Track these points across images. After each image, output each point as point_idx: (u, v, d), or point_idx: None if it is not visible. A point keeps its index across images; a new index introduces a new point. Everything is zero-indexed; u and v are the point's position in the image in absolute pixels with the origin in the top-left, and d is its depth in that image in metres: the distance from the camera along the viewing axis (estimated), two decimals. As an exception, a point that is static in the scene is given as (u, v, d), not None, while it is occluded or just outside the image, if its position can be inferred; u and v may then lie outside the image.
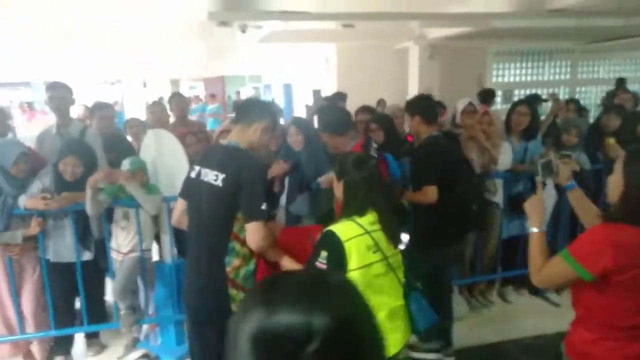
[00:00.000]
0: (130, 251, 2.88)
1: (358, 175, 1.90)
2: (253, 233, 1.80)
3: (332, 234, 1.80)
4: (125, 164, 2.78)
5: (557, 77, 9.37)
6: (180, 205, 2.10)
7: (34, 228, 2.70)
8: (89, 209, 2.68)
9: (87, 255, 2.93)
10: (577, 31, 6.88)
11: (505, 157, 3.26)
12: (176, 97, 4.74)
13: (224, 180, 1.86)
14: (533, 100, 3.89)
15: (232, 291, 1.89)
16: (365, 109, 3.91)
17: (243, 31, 5.66)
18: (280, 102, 11.36)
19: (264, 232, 1.81)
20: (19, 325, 2.83)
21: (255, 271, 1.96)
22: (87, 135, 3.13)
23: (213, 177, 1.89)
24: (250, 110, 2.06)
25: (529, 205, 1.93)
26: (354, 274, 1.78)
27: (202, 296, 1.94)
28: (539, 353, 3.06)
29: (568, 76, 9.37)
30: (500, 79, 9.13)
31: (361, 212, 1.86)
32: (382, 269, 1.84)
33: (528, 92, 9.17)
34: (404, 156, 3.49)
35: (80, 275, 2.87)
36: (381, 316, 1.84)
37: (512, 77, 9.21)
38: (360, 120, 3.74)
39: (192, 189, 2.00)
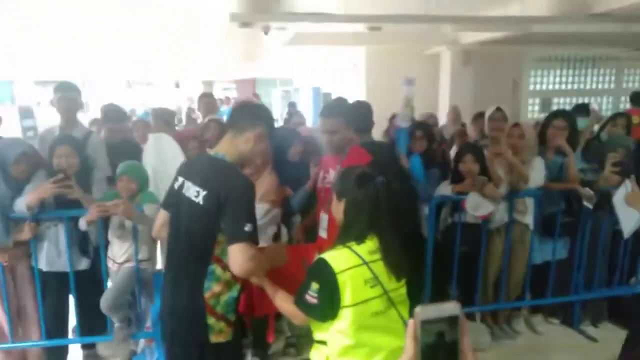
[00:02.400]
0: (126, 261, 2.74)
1: (362, 193, 1.66)
2: (235, 255, 1.58)
3: (324, 263, 1.56)
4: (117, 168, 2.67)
5: (600, 85, 8.82)
6: (161, 217, 1.91)
7: (25, 233, 2.57)
8: (83, 225, 2.60)
9: (84, 264, 2.80)
10: (622, 37, 6.42)
11: (537, 174, 2.93)
12: (205, 97, 4.61)
13: (205, 198, 1.65)
14: (572, 112, 3.52)
15: (211, 320, 1.68)
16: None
17: (266, 33, 5.51)
18: (309, 106, 11.19)
19: (248, 253, 1.58)
20: (10, 333, 2.72)
21: (239, 298, 1.76)
22: (91, 140, 3.01)
23: (194, 192, 1.69)
24: (241, 116, 1.82)
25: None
26: (347, 312, 1.55)
27: (177, 323, 1.74)
28: (570, 396, 2.74)
29: (612, 85, 8.81)
30: (537, 87, 8.68)
31: (360, 239, 1.62)
32: (381, 305, 1.59)
33: (568, 100, 8.72)
34: (436, 167, 3.29)
35: (74, 285, 2.74)
36: (379, 358, 1.60)
37: (550, 85, 8.73)
38: (394, 125, 3.53)
39: (173, 201, 1.81)
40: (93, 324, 2.90)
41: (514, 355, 3.10)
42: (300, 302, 1.60)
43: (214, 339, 1.70)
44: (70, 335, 3.02)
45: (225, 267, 1.68)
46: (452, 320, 0.59)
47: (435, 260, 3.04)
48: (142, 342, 3.02)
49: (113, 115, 3.32)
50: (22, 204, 2.53)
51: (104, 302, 2.61)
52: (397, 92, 7.11)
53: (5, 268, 2.64)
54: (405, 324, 1.67)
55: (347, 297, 1.54)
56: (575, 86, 8.79)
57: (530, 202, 3.08)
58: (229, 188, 1.62)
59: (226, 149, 1.77)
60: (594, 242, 3.25)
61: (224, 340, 1.72)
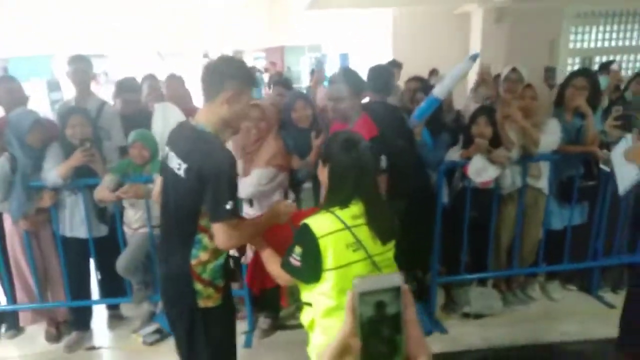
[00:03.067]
0: (140, 227, 2.86)
1: (346, 158, 1.65)
2: (218, 233, 1.60)
3: (306, 228, 1.59)
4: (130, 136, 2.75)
5: (647, 41, 8.21)
6: (159, 183, 1.92)
7: (45, 201, 2.72)
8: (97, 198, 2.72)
9: (103, 231, 2.94)
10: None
11: (550, 137, 2.80)
12: None
13: (186, 171, 1.64)
14: (595, 72, 3.33)
15: (198, 286, 1.72)
16: (415, 78, 3.61)
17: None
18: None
19: (229, 233, 1.59)
20: (38, 294, 2.92)
21: (225, 265, 1.81)
22: (105, 111, 3.10)
23: (176, 165, 1.68)
24: (211, 78, 1.63)
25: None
26: (330, 274, 1.58)
27: (167, 289, 1.81)
28: (581, 361, 2.71)
29: (661, 41, 8.19)
30: (578, 45, 8.17)
31: (344, 203, 1.63)
32: (364, 269, 1.60)
33: (611, 58, 8.17)
34: (445, 132, 3.18)
35: (94, 250, 2.90)
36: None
37: (592, 43, 8.20)
38: (409, 89, 3.43)
39: (162, 170, 1.84)
40: (114, 286, 3.07)
41: (526, 321, 3.06)
42: (286, 264, 1.64)
43: (203, 304, 1.74)
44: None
45: (212, 237, 1.68)
46: (394, 292, 0.55)
47: (445, 225, 3.01)
48: (160, 303, 3.18)
49: (126, 86, 3.37)
50: (54, 175, 2.66)
51: (119, 264, 2.75)
52: (425, 55, 6.88)
53: (30, 234, 2.82)
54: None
55: (329, 260, 1.57)
56: (620, 43, 8.22)
57: (544, 166, 2.97)
58: (209, 165, 1.58)
59: (205, 118, 1.67)
60: (615, 207, 3.12)
61: (213, 305, 1.76)
